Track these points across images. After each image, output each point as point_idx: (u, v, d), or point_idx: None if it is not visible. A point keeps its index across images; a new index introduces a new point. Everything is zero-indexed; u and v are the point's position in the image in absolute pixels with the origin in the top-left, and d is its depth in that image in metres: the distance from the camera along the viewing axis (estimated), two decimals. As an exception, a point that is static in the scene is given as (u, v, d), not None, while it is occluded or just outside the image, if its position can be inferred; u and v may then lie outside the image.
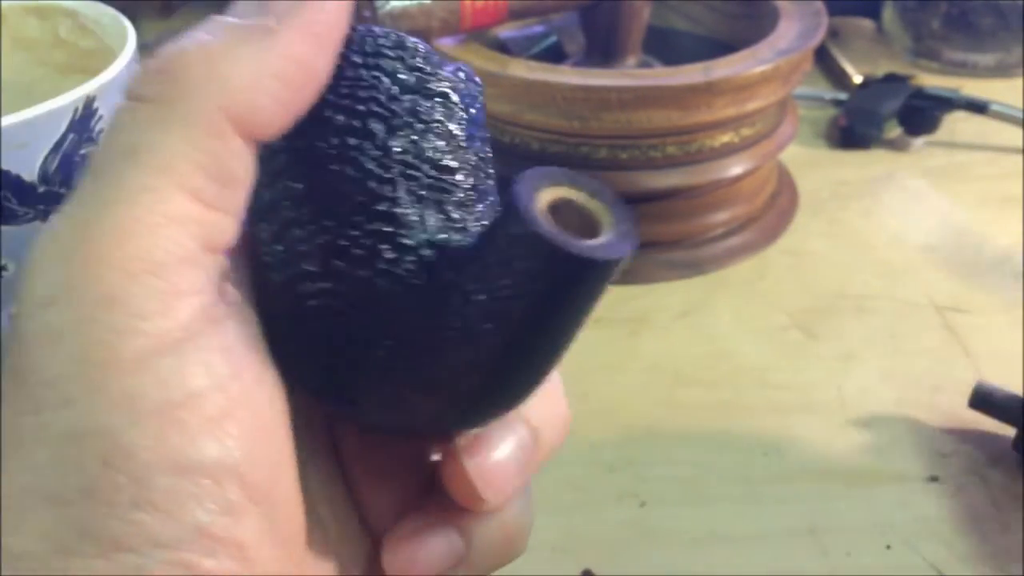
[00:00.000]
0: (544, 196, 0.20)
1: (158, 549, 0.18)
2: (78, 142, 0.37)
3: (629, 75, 0.53)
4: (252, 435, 0.19)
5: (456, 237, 0.22)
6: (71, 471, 0.18)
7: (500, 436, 0.23)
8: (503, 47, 0.61)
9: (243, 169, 0.20)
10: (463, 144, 0.23)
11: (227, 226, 0.20)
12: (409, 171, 0.22)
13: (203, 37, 0.20)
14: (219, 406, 0.19)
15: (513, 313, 0.21)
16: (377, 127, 0.22)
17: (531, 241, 0.19)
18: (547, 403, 0.24)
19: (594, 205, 0.21)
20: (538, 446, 0.24)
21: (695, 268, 0.55)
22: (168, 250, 0.19)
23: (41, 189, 0.37)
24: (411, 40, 0.23)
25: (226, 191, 0.20)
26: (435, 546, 0.23)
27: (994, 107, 0.67)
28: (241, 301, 0.21)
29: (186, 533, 0.18)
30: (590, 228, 0.21)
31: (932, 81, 0.72)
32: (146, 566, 0.18)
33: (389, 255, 0.21)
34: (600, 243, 0.21)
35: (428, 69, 0.22)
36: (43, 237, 0.20)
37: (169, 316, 0.19)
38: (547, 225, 0.20)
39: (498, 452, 0.23)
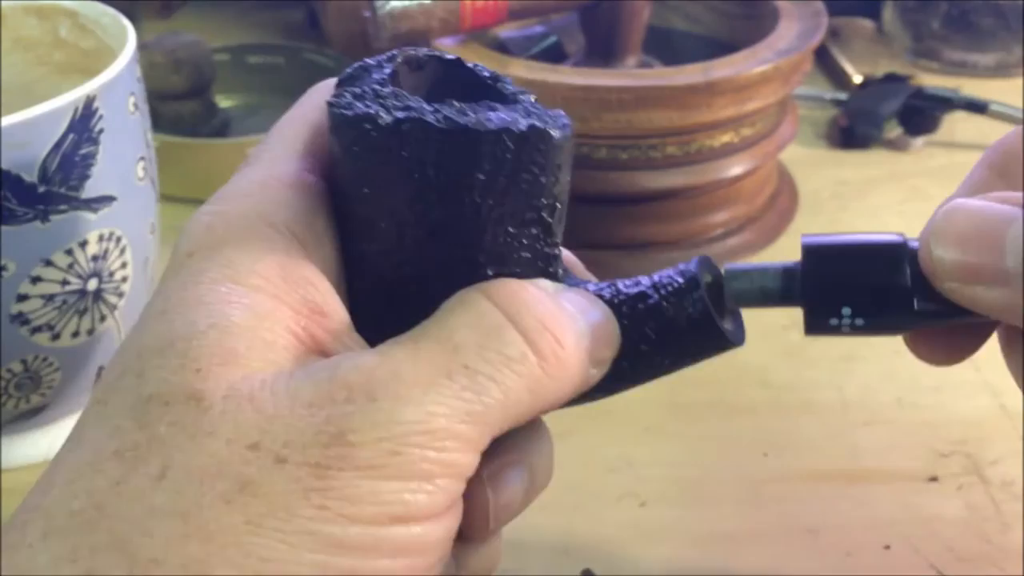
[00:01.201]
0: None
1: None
2: (78, 142, 0.37)
3: (629, 75, 0.53)
4: None
5: None
6: None
7: (517, 475, 0.26)
8: (503, 47, 0.61)
9: None
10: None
11: None
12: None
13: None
14: None
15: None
16: None
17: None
18: (547, 451, 0.27)
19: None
20: (534, 488, 0.27)
21: (695, 268, 0.55)
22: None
23: (41, 189, 0.37)
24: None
25: None
26: None
27: (994, 107, 0.67)
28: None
29: None
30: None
31: (932, 81, 0.72)
32: None
33: None
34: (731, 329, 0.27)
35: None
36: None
37: None
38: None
39: (512, 489, 0.26)
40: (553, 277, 0.26)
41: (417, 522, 0.21)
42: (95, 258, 0.39)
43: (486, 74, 0.26)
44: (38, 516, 0.21)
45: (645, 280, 0.26)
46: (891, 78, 0.72)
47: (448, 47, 0.54)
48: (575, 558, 0.39)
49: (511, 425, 0.23)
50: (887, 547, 0.39)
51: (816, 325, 0.27)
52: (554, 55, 0.62)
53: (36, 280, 0.38)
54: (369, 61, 0.26)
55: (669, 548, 0.40)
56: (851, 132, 0.67)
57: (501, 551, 0.27)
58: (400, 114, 0.23)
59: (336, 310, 0.24)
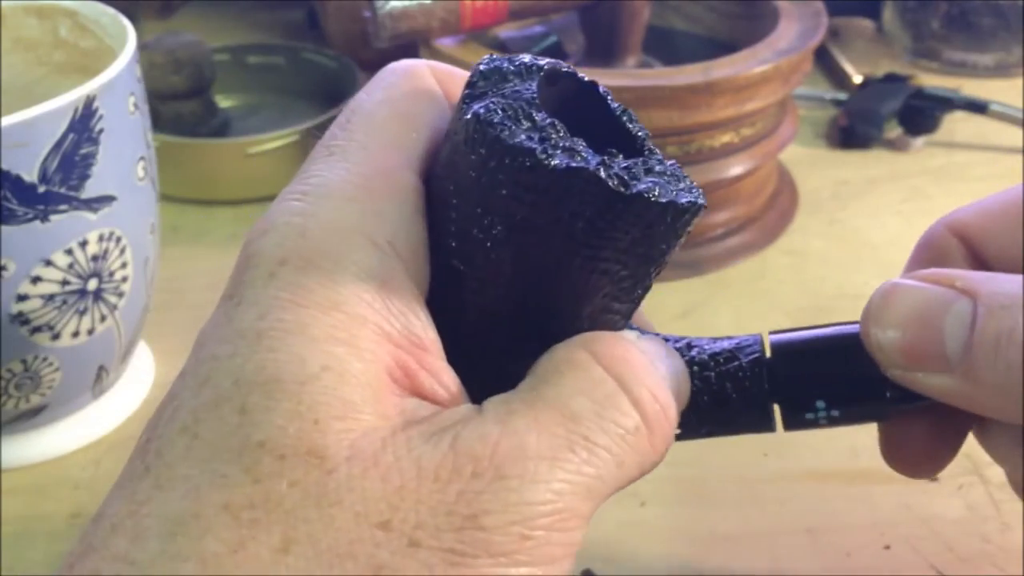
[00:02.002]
0: None
1: None
2: (78, 142, 0.37)
3: (629, 75, 0.53)
4: None
5: None
6: None
7: None
8: (503, 47, 0.61)
9: None
10: None
11: None
12: None
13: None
14: None
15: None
16: None
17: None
18: None
19: None
20: None
21: (695, 268, 0.55)
22: None
23: (41, 189, 0.37)
24: None
25: None
26: None
27: (994, 107, 0.67)
28: None
29: None
30: None
31: (932, 81, 0.72)
32: None
33: None
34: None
35: None
36: None
37: None
38: None
39: None
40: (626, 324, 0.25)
41: None
42: (95, 258, 0.39)
43: (615, 106, 0.25)
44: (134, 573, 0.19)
45: (709, 344, 0.26)
46: (891, 78, 0.72)
47: (448, 47, 0.54)
48: (575, 558, 0.39)
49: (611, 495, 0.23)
50: (887, 547, 0.39)
51: (793, 421, 0.27)
52: (554, 55, 0.62)
53: (36, 280, 0.38)
54: (503, 63, 0.23)
55: (669, 548, 0.40)
56: (851, 132, 0.67)
57: None
58: (567, 160, 0.21)
59: (434, 341, 0.22)
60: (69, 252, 0.38)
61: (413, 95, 0.24)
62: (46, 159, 0.37)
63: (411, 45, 0.55)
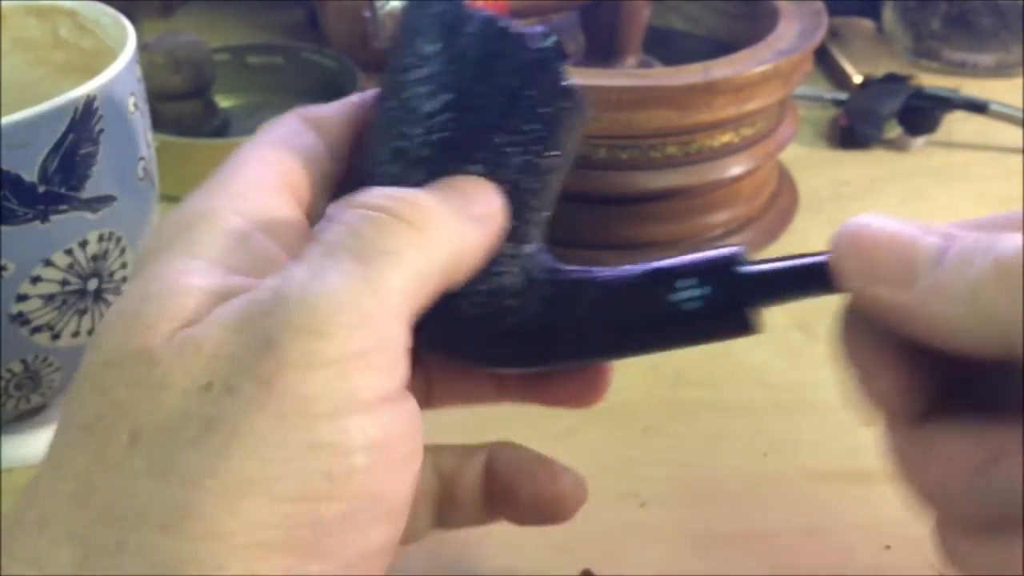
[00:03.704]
0: None
1: None
2: (78, 142, 0.37)
3: (629, 75, 0.53)
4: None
5: None
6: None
7: None
8: (503, 47, 0.61)
9: None
10: None
11: None
12: None
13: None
14: None
15: None
16: None
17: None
18: None
19: None
20: None
21: (695, 268, 0.55)
22: None
23: (41, 189, 0.37)
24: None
25: None
26: None
27: (994, 107, 0.67)
28: None
29: None
30: None
31: (932, 81, 0.72)
32: None
33: None
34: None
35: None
36: None
37: None
38: None
39: None
40: (528, 230, 0.28)
41: (375, 406, 0.22)
42: (95, 258, 0.39)
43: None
44: (32, 505, 0.22)
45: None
46: (891, 78, 0.71)
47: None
48: (575, 558, 0.39)
49: (438, 283, 0.25)
50: (888, 547, 0.39)
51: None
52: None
53: (36, 280, 0.38)
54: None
55: (669, 548, 0.40)
56: (851, 132, 0.67)
57: None
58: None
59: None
60: (69, 252, 0.38)
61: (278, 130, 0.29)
62: (46, 159, 0.37)
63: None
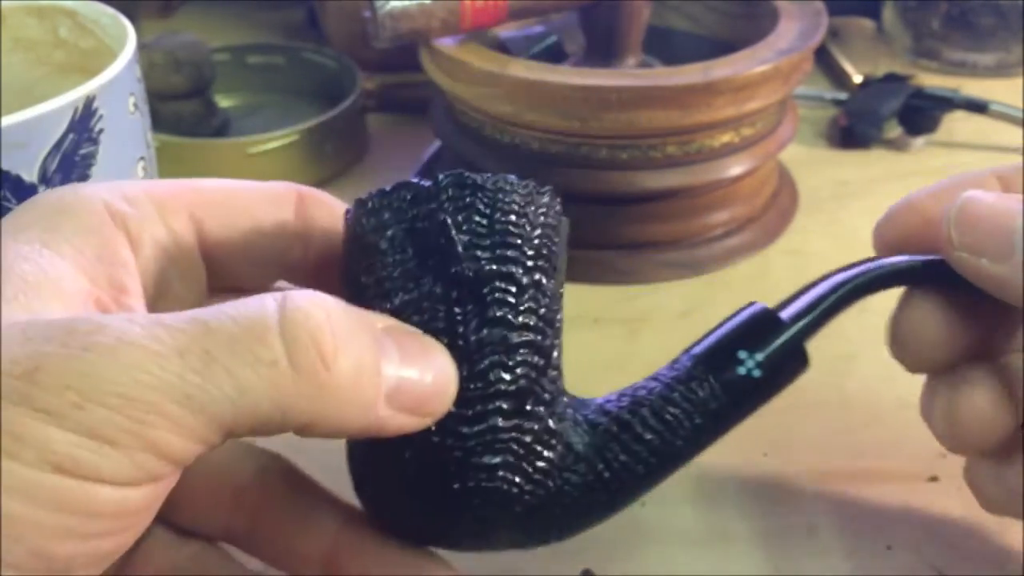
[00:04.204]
0: None
1: None
2: (78, 142, 0.37)
3: (629, 75, 0.53)
4: None
5: None
6: None
7: None
8: (503, 47, 0.61)
9: None
10: None
11: None
12: None
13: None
14: None
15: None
16: None
17: None
18: None
19: None
20: None
21: (695, 268, 0.55)
22: None
23: (41, 189, 0.37)
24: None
25: None
26: None
27: (994, 107, 0.67)
28: None
29: None
30: None
31: (932, 81, 0.72)
32: None
33: None
34: None
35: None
36: None
37: None
38: None
39: None
40: (545, 394, 0.28)
41: (102, 484, 0.20)
42: (95, 258, 0.39)
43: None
44: None
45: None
46: (891, 78, 0.71)
47: (448, 47, 0.54)
48: (575, 558, 0.39)
49: (252, 430, 0.22)
50: (888, 547, 0.39)
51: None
52: (554, 55, 0.62)
53: (36, 280, 0.38)
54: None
55: (669, 548, 0.40)
56: (851, 132, 0.67)
57: None
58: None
59: (136, 289, 0.26)
60: (69, 252, 0.38)
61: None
62: (46, 159, 0.37)
63: (411, 45, 0.55)
